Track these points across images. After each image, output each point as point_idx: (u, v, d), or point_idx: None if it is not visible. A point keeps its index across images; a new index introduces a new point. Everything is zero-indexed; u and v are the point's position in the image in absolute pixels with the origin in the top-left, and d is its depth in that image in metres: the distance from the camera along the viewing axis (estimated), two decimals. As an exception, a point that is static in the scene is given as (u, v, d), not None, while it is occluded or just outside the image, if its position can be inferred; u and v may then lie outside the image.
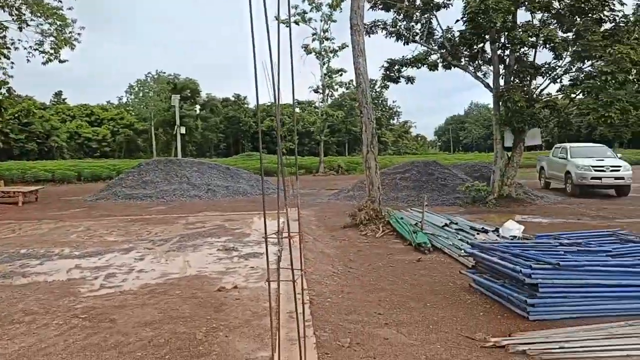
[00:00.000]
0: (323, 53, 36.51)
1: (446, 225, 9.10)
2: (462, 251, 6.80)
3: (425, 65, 15.06)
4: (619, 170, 15.74)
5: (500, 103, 14.03)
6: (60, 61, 19.64)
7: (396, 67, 15.20)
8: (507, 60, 14.56)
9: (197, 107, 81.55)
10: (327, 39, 35.98)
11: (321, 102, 37.37)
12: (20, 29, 18.71)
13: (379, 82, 16.49)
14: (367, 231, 9.85)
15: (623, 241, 7.75)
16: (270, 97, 2.92)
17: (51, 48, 18.97)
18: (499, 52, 14.65)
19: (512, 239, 8.36)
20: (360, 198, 13.62)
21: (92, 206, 15.96)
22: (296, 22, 35.83)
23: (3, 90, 19.40)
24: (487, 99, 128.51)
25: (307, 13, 35.65)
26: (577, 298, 4.70)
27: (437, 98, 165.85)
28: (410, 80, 15.60)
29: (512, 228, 8.57)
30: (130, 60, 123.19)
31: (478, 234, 8.24)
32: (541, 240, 7.95)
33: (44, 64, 19.18)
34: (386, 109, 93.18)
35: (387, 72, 15.32)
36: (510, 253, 5.31)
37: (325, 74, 36.88)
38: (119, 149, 74.17)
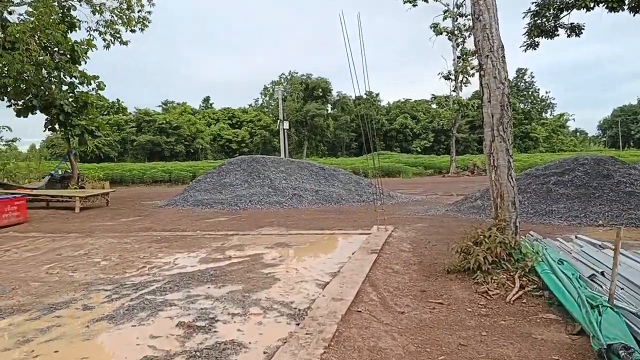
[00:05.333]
0: (456, 32, 30.96)
1: (672, 295, 4.06)
2: None
3: (602, 3, 9.40)
4: None
5: None
6: (122, 42, 17.75)
7: (551, 11, 9.78)
8: None
9: (329, 106, 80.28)
10: (461, 16, 30.38)
11: (453, 91, 31.77)
12: (94, 12, 16.74)
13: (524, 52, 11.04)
14: (489, 286, 5.20)
15: None
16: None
17: (111, 28, 16.90)
18: None
19: None
20: (492, 211, 8.65)
21: (153, 213, 13.50)
22: (425, -1, 30.94)
23: (93, 85, 18.09)
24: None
25: (438, -13, 30.55)
26: None
27: (600, 88, 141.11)
28: (575, 30, 9.96)
29: None
30: (272, 62, 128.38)
31: None
32: None
33: (106, 47, 17.43)
34: (537, 101, 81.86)
35: (536, 20, 9.94)
36: None
37: (458, 57, 31.27)
38: (256, 150, 76.16)
